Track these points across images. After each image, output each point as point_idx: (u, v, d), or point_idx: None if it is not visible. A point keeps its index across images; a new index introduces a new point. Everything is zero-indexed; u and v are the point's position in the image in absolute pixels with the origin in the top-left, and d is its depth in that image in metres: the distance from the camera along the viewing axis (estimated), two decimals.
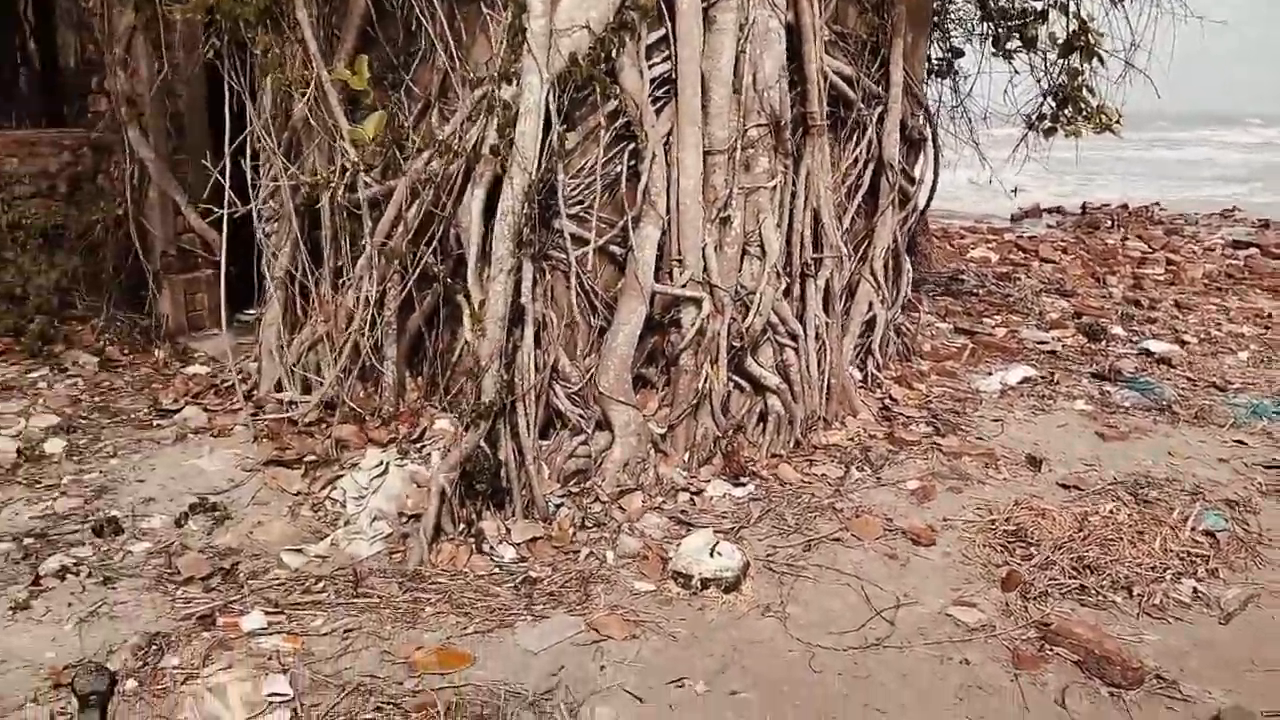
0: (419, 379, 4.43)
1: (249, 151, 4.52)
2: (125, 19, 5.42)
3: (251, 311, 6.28)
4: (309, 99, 3.99)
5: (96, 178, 5.63)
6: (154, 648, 2.90)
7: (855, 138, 5.43)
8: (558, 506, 3.78)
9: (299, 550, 3.47)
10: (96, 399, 4.74)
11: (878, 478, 4.30)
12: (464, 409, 3.65)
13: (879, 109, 5.42)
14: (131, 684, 2.74)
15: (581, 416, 4.08)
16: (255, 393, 4.60)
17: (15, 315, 5.19)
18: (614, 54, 3.88)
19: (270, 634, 2.98)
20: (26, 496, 3.80)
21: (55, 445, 4.20)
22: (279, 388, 4.55)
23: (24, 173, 5.34)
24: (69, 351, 5.17)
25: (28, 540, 3.47)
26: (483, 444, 3.58)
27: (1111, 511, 3.76)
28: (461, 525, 3.55)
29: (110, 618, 3.06)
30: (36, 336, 5.12)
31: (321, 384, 4.43)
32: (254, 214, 4.56)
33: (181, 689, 2.73)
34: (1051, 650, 2.97)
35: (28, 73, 8.64)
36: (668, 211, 4.19)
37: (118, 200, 5.52)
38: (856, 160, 5.45)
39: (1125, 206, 14.03)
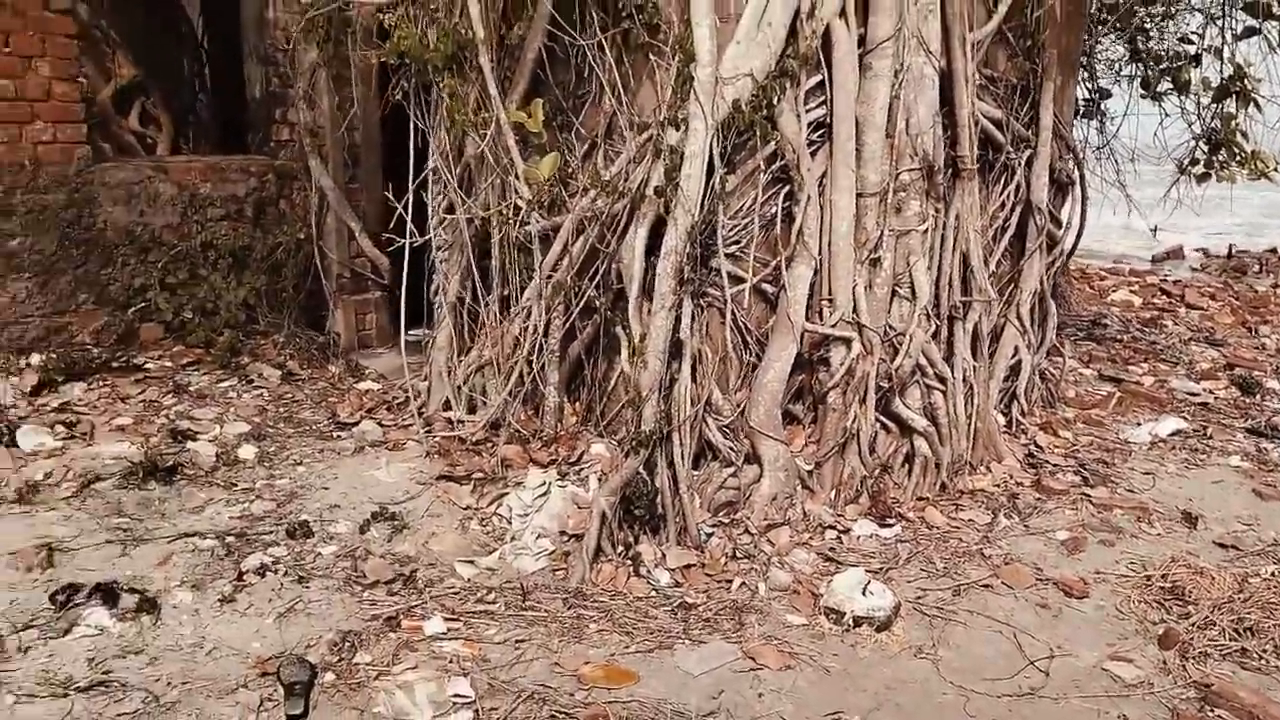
0: (577, 404, 4.67)
1: (411, 180, 4.87)
2: (310, 56, 5.89)
3: (415, 332, 6.69)
4: (488, 138, 4.27)
5: (279, 203, 6.09)
6: (347, 644, 3.17)
7: (1003, 181, 5.44)
8: (709, 535, 3.94)
9: (471, 562, 3.73)
10: (281, 410, 5.15)
11: (1026, 526, 4.31)
12: (623, 436, 3.85)
13: (1027, 152, 5.43)
14: (329, 676, 3.01)
15: (732, 449, 4.23)
16: (424, 410, 4.91)
17: (207, 328, 5.66)
18: (775, 100, 4.04)
19: (450, 639, 3.22)
20: (225, 498, 4.17)
21: (248, 451, 4.59)
22: (447, 406, 4.85)
23: (215, 196, 5.82)
24: (254, 364, 5.60)
25: (229, 539, 3.82)
26: (641, 471, 3.77)
27: (1273, 574, 3.70)
28: (620, 548, 3.74)
29: (306, 614, 3.36)
30: (226, 349, 5.58)
31: (486, 405, 4.71)
32: (424, 242, 4.90)
33: (374, 684, 2.99)
34: (1213, 712, 2.96)
35: (210, 102, 9.37)
36: (819, 252, 4.33)
37: (299, 225, 5.98)
38: (1004, 203, 5.46)
39: (1275, 251, 13.42)
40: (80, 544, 3.74)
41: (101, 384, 5.18)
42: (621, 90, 4.21)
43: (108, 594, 3.38)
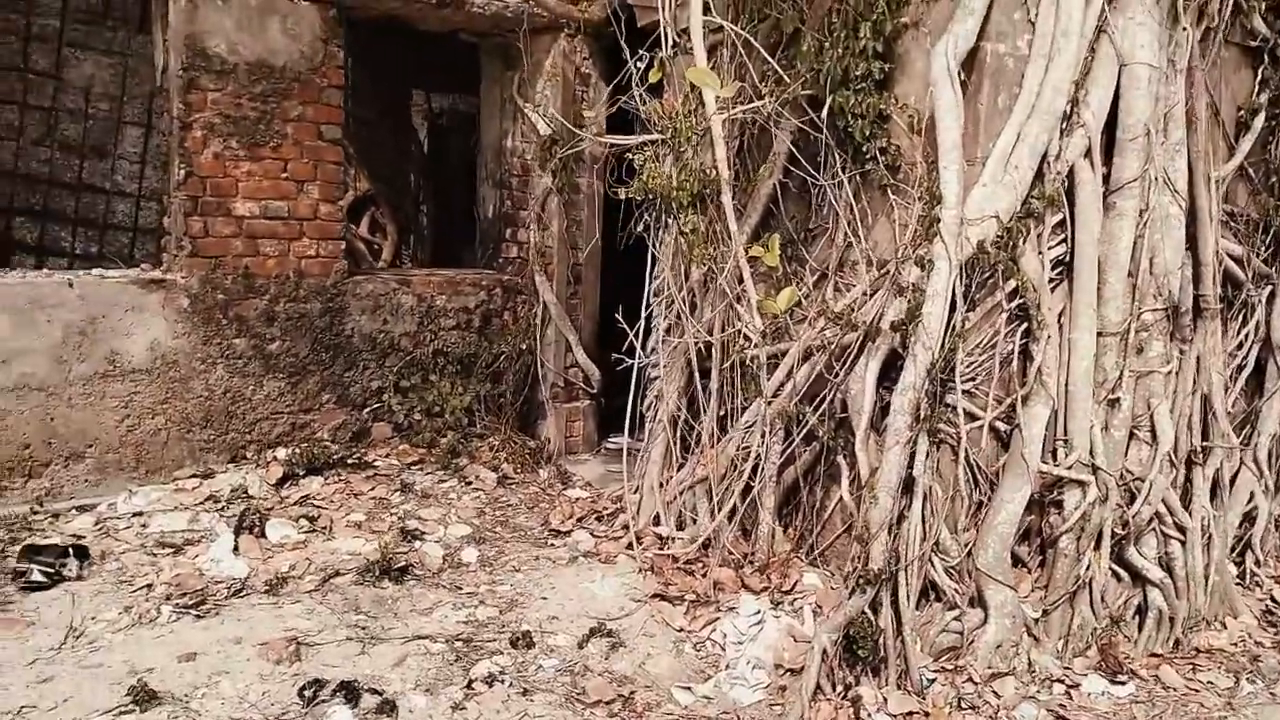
0: (789, 530, 4.64)
1: (645, 301, 5.07)
2: (543, 183, 6.30)
3: (615, 440, 6.89)
4: (727, 270, 4.42)
5: (503, 315, 6.45)
6: None
7: (1241, 318, 5.20)
8: (930, 681, 3.80)
9: (688, 688, 3.72)
10: (497, 513, 5.36)
11: (1272, 694, 3.95)
12: (839, 569, 3.80)
13: (1268, 289, 5.17)
14: None
15: (956, 591, 4.09)
16: (633, 523, 5.00)
17: (431, 430, 6.00)
18: (1019, 241, 4.00)
19: None
20: (452, 601, 4.35)
21: (470, 554, 4.79)
22: (656, 521, 4.93)
23: (449, 308, 6.23)
24: (471, 465, 5.88)
25: (457, 643, 3.98)
26: (866, 610, 3.69)
27: None
28: (839, 688, 3.65)
29: None
30: (447, 450, 5.89)
31: (695, 523, 4.76)
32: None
33: None
34: None
35: (430, 216, 10.14)
36: (1056, 391, 4.19)
37: (521, 336, 6.31)
38: (1241, 342, 5.22)
39: None
40: (323, 639, 3.98)
41: (337, 479, 5.55)
42: (859, 226, 4.28)
43: (350, 693, 3.57)
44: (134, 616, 4.07)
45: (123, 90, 5.70)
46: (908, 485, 3.88)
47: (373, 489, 5.51)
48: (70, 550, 4.47)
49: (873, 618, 3.71)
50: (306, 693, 3.57)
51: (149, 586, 4.33)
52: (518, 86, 6.39)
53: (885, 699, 3.64)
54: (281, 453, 5.58)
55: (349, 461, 5.71)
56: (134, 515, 4.99)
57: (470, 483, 5.73)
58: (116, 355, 5.12)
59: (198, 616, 4.11)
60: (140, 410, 5.23)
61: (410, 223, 10.10)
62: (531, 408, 6.51)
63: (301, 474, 5.48)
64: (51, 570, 4.35)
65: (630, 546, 4.82)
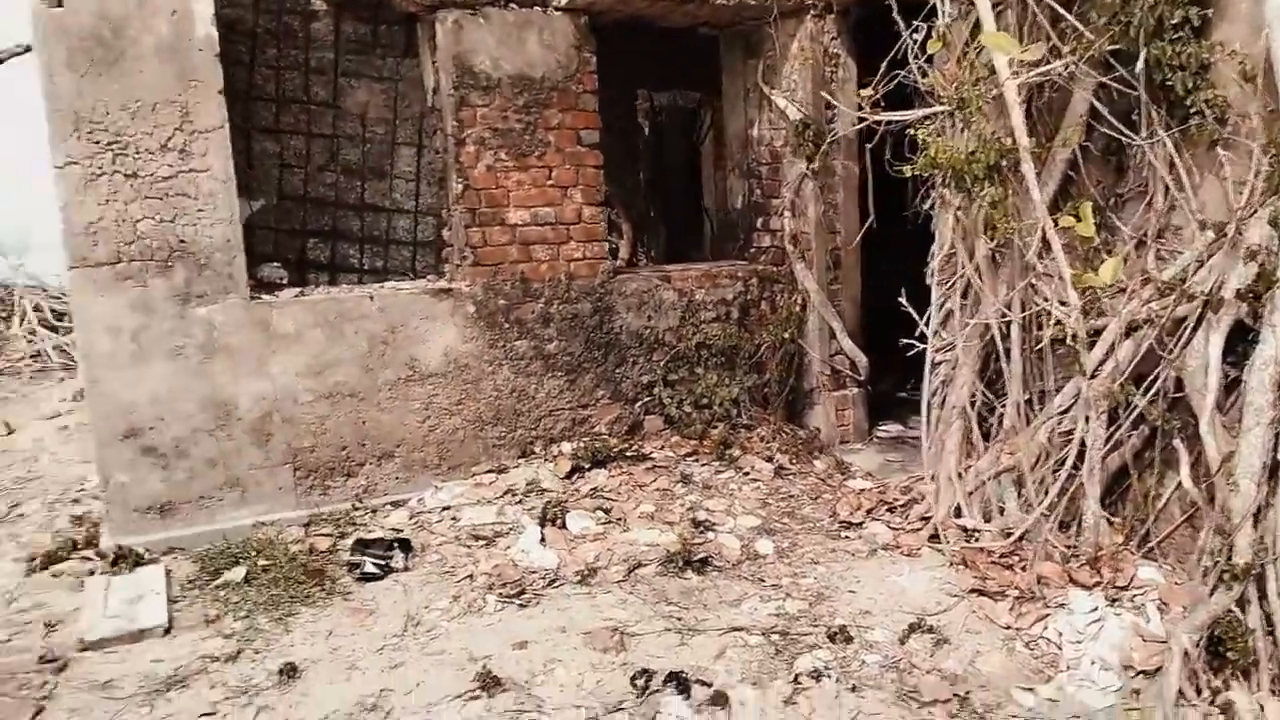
0: (1116, 522, 4.33)
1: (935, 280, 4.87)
2: (796, 169, 6.19)
3: (886, 428, 6.70)
4: (1033, 245, 4.17)
5: (760, 305, 6.40)
6: None
7: None
8: None
9: (1030, 689, 3.53)
10: (781, 504, 5.32)
11: None
12: (1206, 567, 3.49)
13: None
14: None
15: None
16: (930, 515, 4.82)
17: (701, 422, 6.03)
18: None
19: None
20: (757, 593, 4.34)
21: (765, 546, 4.76)
22: (957, 513, 4.73)
23: (708, 300, 6.24)
24: (744, 456, 5.86)
25: (774, 636, 3.95)
26: (1233, 608, 3.38)
27: None
28: (1205, 693, 3.36)
29: None
30: (720, 442, 5.90)
31: (1004, 514, 4.53)
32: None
33: None
34: None
35: (660, 211, 10.23)
36: None
37: (782, 325, 6.24)
38: None
39: None
40: (642, 629, 4.05)
41: (619, 471, 5.67)
42: (1186, 186, 3.93)
43: (680, 683, 3.61)
44: (463, 605, 4.30)
45: (394, 113, 6.03)
46: (1272, 470, 3.52)
47: (654, 480, 5.59)
48: (395, 543, 4.78)
49: (1240, 616, 3.39)
50: (638, 682, 3.64)
51: (470, 577, 4.56)
52: (762, 74, 6.30)
53: (1261, 706, 3.32)
54: (566, 447, 5.76)
55: (628, 454, 5.81)
56: (443, 509, 5.28)
57: (747, 473, 5.71)
58: (415, 361, 5.44)
59: (521, 606, 4.29)
60: (439, 411, 5.53)
61: (642, 220, 10.24)
62: (798, 397, 6.43)
63: (587, 467, 5.63)
64: (382, 562, 4.66)
65: (932, 539, 4.65)
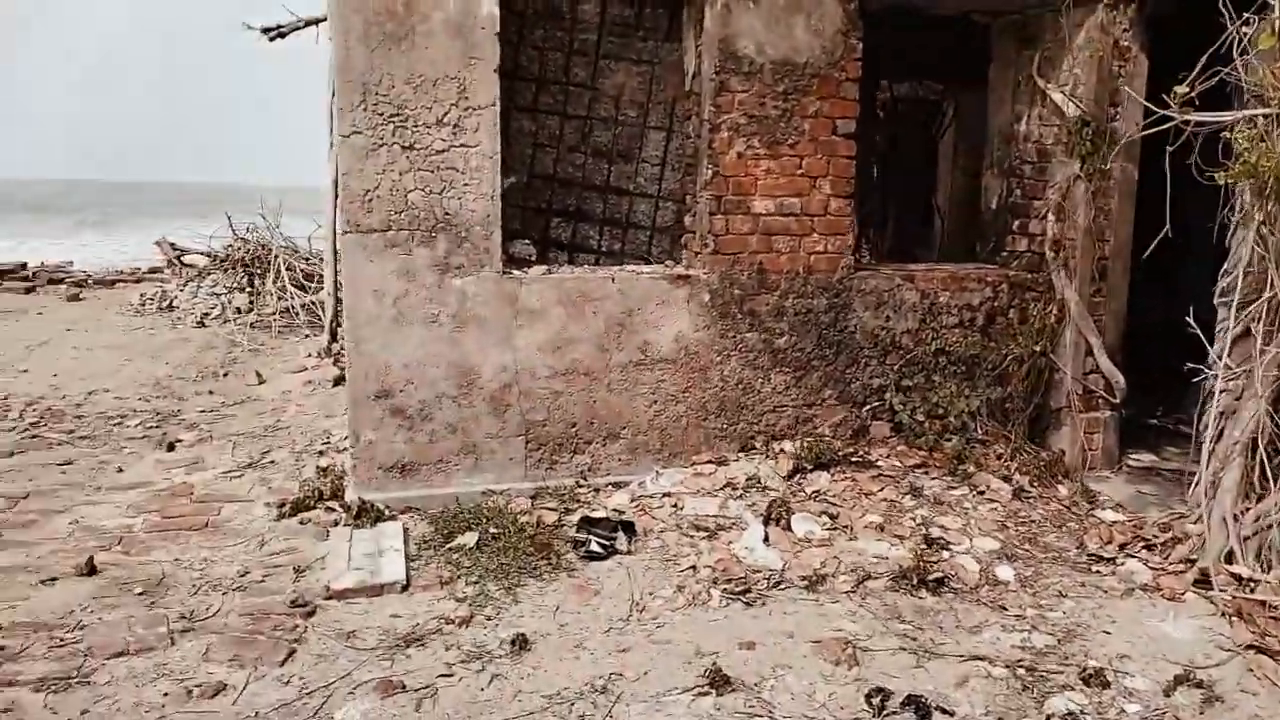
0: None
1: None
2: (1067, 169, 5.76)
3: (1137, 456, 6.17)
4: None
5: (1009, 313, 6.01)
6: None
7: None
8: None
9: None
10: (1020, 529, 4.98)
11: None
12: None
13: None
14: None
15: None
16: (1196, 558, 4.37)
17: (934, 433, 5.73)
18: None
19: None
20: (999, 622, 4.06)
21: (1005, 572, 4.46)
22: (1229, 558, 4.27)
23: (952, 304, 5.92)
24: (979, 474, 5.53)
25: (1019, 670, 3.68)
26: None
27: None
28: None
29: None
30: (953, 456, 5.59)
31: None
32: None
33: None
34: None
35: (885, 207, 9.83)
36: None
37: (1033, 337, 5.85)
38: None
39: None
40: (874, 645, 3.87)
41: (842, 476, 5.48)
42: None
43: (920, 709, 3.41)
44: (687, 597, 4.25)
45: (648, 97, 6.03)
46: None
47: (881, 489, 5.36)
48: (619, 525, 4.79)
49: None
50: (874, 701, 3.46)
51: (693, 568, 4.51)
52: (1038, 66, 5.90)
53: None
54: (789, 445, 5.62)
55: (852, 459, 5.61)
56: (664, 495, 5.27)
57: (982, 492, 5.38)
58: (648, 345, 5.44)
59: (746, 605, 4.19)
60: (665, 397, 5.51)
61: (872, 216, 9.91)
62: (1042, 416, 6.01)
63: (809, 468, 5.47)
64: (607, 542, 4.68)
65: (1199, 584, 4.21)
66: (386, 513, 5.05)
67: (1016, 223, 6.19)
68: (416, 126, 4.89)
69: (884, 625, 4.04)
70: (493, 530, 4.84)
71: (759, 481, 5.37)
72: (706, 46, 5.33)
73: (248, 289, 11.19)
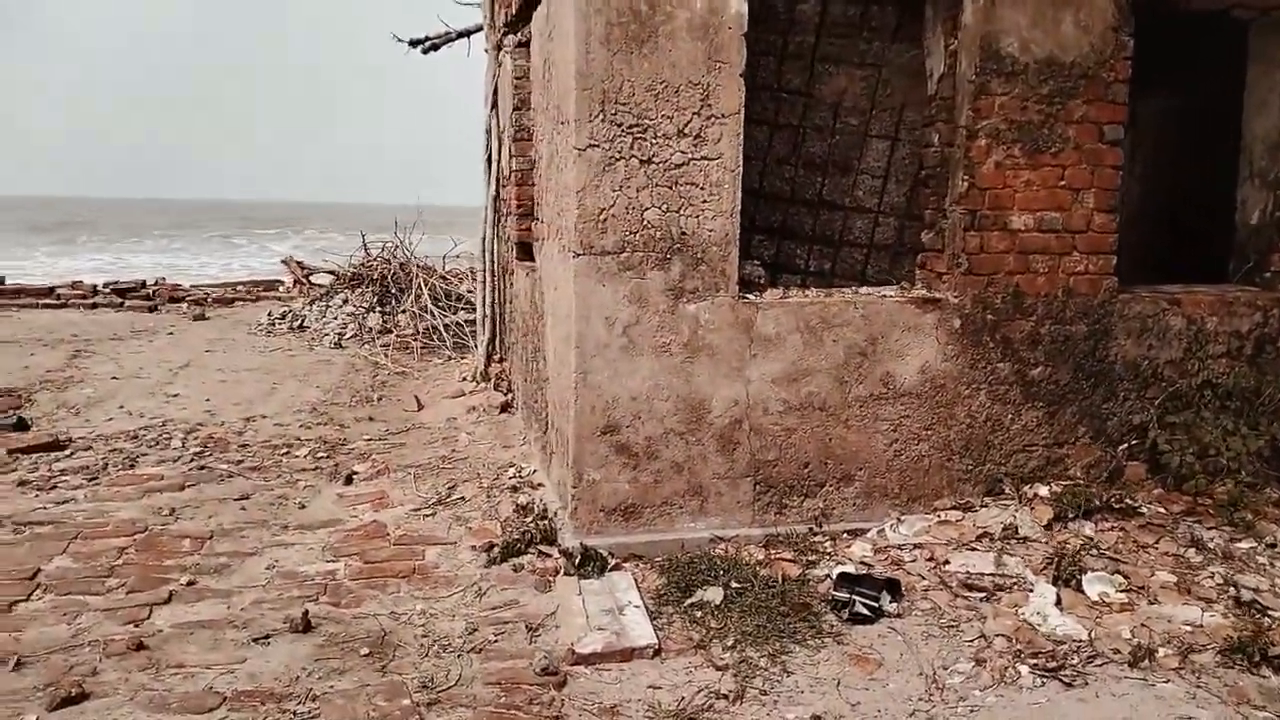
0: None
1: None
2: None
3: None
4: None
5: (1278, 341, 5.32)
6: None
7: None
8: None
9: None
10: None
11: None
12: None
13: None
14: None
15: None
16: None
17: (1203, 476, 5.06)
18: None
19: None
20: None
21: None
22: None
23: (1219, 331, 5.27)
24: (1260, 523, 4.85)
25: None
26: None
27: None
28: None
29: None
30: (1226, 503, 4.92)
31: None
32: None
33: None
34: None
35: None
36: None
37: None
38: None
39: None
40: None
41: (1108, 526, 4.84)
42: None
43: None
44: (992, 674, 3.67)
45: (871, 103, 5.50)
46: None
47: (1155, 541, 4.71)
48: (885, 583, 4.23)
49: None
50: None
51: (982, 637, 3.93)
52: None
53: None
54: (1043, 490, 5.01)
55: (1113, 506, 4.97)
56: (914, 546, 4.70)
57: (1272, 545, 4.69)
58: (890, 377, 4.88)
59: (1065, 684, 3.60)
60: (907, 435, 4.94)
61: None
62: None
63: (1071, 516, 4.85)
64: (873, 604, 4.13)
65: None
66: (610, 560, 4.56)
67: None
68: (656, 138, 4.43)
69: (1235, 711, 3.41)
70: (734, 585, 4.31)
71: (1015, 531, 4.77)
72: (965, 44, 4.78)
73: (378, 309, 10.91)
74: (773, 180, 5.68)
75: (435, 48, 8.51)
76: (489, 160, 8.02)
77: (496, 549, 4.80)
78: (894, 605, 4.17)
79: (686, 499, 4.74)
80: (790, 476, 4.85)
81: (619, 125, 4.37)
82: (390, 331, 10.22)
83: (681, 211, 4.50)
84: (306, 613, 4.09)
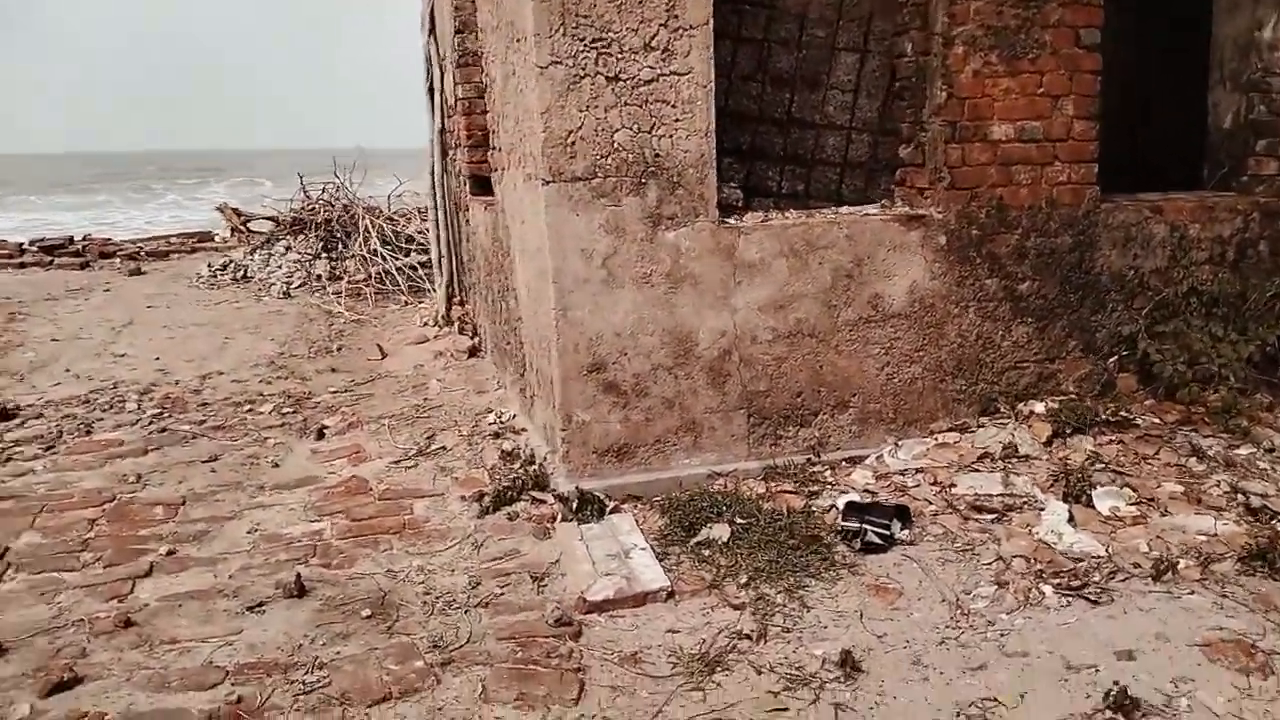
0: None
1: None
2: None
3: None
4: None
5: (1258, 245, 5.31)
6: None
7: None
8: None
9: None
10: None
11: None
12: None
13: None
14: None
15: None
16: None
17: (1194, 384, 5.05)
18: None
19: None
20: None
21: None
22: None
23: (1202, 238, 5.22)
24: (1257, 429, 4.86)
25: None
26: None
27: None
28: None
29: None
30: (1220, 410, 4.92)
31: None
32: None
33: None
34: None
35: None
36: None
37: None
38: None
39: None
40: (1277, 647, 3.24)
41: (1106, 439, 4.80)
42: None
43: None
44: (1016, 596, 3.61)
45: (839, 13, 5.27)
46: None
47: (1155, 452, 4.69)
48: (895, 510, 4.15)
49: None
50: None
51: (1000, 560, 3.87)
52: None
53: None
54: (1039, 406, 4.95)
55: (1108, 419, 4.94)
56: (916, 471, 4.62)
57: (1271, 450, 4.71)
58: (878, 299, 4.75)
59: (1091, 602, 3.54)
60: (898, 358, 4.83)
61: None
62: None
63: (1068, 432, 4.81)
64: (885, 532, 4.04)
65: None
66: (608, 503, 4.41)
67: (1260, 142, 5.44)
68: (622, 53, 4.16)
69: (1265, 619, 3.40)
70: (739, 520, 4.20)
71: (1015, 450, 4.71)
72: None
73: (325, 255, 10.49)
74: (739, 99, 5.44)
75: None
76: (431, 90, 7.62)
77: (487, 498, 4.60)
78: (905, 532, 4.09)
79: (680, 435, 4.59)
80: (784, 406, 4.72)
81: (581, 40, 4.09)
82: (340, 278, 9.83)
83: (654, 132, 4.26)
84: (299, 576, 3.87)
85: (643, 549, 4.01)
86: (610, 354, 4.40)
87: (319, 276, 10.10)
